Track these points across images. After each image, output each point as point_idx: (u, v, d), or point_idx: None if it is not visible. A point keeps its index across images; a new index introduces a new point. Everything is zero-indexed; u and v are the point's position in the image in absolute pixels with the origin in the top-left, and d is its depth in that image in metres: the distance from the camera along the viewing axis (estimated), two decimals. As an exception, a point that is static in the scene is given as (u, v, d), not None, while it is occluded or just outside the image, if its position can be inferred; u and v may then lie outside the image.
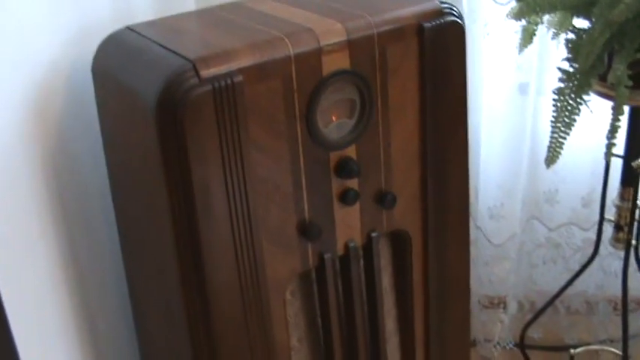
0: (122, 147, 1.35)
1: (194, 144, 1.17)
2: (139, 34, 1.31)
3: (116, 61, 1.30)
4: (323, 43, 1.24)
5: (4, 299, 1.17)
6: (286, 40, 1.22)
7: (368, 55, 1.29)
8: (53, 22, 1.36)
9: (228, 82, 1.16)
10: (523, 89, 1.82)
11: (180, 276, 1.26)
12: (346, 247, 1.39)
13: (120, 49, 1.31)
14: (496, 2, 1.73)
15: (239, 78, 1.17)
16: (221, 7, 1.42)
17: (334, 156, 1.32)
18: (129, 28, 1.34)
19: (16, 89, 1.29)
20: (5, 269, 1.26)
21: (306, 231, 1.32)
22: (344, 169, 1.32)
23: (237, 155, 1.20)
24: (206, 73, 1.15)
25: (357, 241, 1.40)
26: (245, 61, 1.18)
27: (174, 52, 1.20)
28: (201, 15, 1.40)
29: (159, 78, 1.16)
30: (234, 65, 1.17)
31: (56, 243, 1.42)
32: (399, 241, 1.49)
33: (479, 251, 1.91)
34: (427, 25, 1.32)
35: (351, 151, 1.33)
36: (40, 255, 1.38)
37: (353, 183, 1.35)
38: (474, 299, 1.98)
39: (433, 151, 1.41)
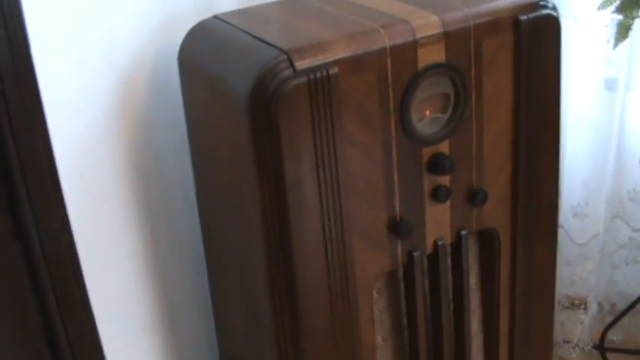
0: (209, 139, 1.29)
1: (287, 137, 1.10)
2: (227, 23, 1.25)
3: (204, 51, 1.24)
4: (419, 35, 1.17)
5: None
6: (382, 31, 1.15)
7: (463, 49, 1.21)
8: (137, 11, 1.31)
9: (324, 73, 1.10)
10: (610, 85, 1.72)
11: (268, 272, 1.20)
12: (435, 245, 1.32)
13: (208, 39, 1.25)
14: (586, -5, 1.64)
15: (334, 70, 1.10)
16: (311, -3, 1.35)
17: (427, 151, 1.24)
18: (217, 17, 1.28)
19: (101, 80, 1.25)
20: (88, 260, 1.22)
21: (396, 229, 1.25)
22: (437, 165, 1.25)
23: (331, 150, 1.14)
24: (301, 64, 1.09)
25: (446, 238, 1.33)
26: (340, 53, 1.12)
27: (266, 43, 1.14)
28: (291, 4, 1.33)
29: (251, 69, 1.11)
30: (329, 56, 1.11)
31: (139, 236, 1.37)
32: (486, 240, 1.41)
33: (561, 250, 1.82)
34: (523, 18, 1.24)
35: (443, 147, 1.26)
36: (123, 248, 1.34)
37: (444, 180, 1.28)
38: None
39: (525, 147, 1.33)
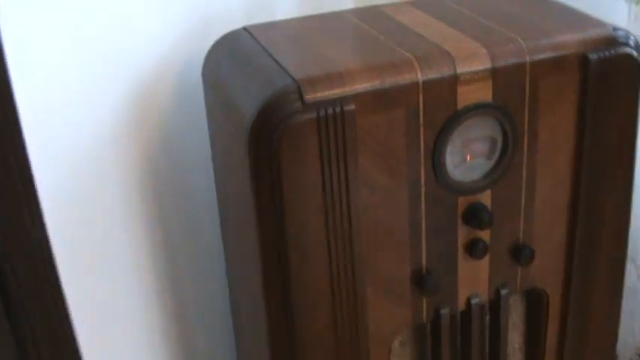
0: (224, 166, 1.14)
1: (291, 177, 0.94)
2: (253, 37, 1.08)
3: (224, 68, 1.08)
4: (461, 70, 0.97)
5: (87, 314, 1.01)
6: (415, 63, 0.96)
7: (516, 88, 1.01)
8: (167, 12, 1.15)
9: (337, 109, 0.92)
10: None
11: (268, 321, 1.04)
12: (468, 302, 1.13)
13: (230, 53, 1.09)
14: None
15: (351, 106, 0.93)
16: (358, 11, 1.17)
17: (463, 201, 1.05)
18: (245, 29, 1.11)
19: (117, 89, 1.11)
20: (93, 278, 1.09)
21: (421, 284, 1.07)
22: (474, 217, 1.05)
23: (343, 194, 0.97)
24: (312, 97, 0.92)
25: (483, 296, 1.13)
26: (361, 86, 0.94)
27: (281, 67, 0.97)
28: (331, 20, 1.15)
29: (258, 97, 0.94)
30: (347, 90, 0.93)
31: (157, 263, 1.24)
32: (533, 298, 1.21)
33: (636, 298, 1.59)
34: (593, 56, 1.02)
35: (484, 197, 1.06)
36: (132, 263, 1.21)
37: (484, 233, 1.08)
38: (627, 353, 1.66)
39: (586, 201, 1.12)
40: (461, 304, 1.12)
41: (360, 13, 1.15)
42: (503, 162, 1.05)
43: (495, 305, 1.15)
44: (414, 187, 1.01)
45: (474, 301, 1.12)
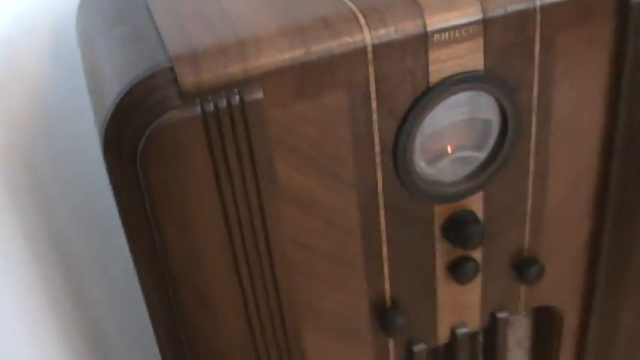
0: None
1: (170, 202, 0.60)
2: (139, -20, 0.72)
3: (92, 25, 0.72)
4: (433, 25, 0.61)
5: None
6: (360, 17, 0.60)
7: (520, 48, 0.65)
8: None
9: (235, 101, 0.57)
10: None
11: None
12: (453, 333, 0.80)
13: (102, 5, 0.73)
14: None
15: (257, 94, 0.57)
16: None
17: (443, 209, 0.71)
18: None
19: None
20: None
21: (384, 321, 0.74)
22: (457, 232, 0.71)
23: (256, 218, 0.62)
24: (193, 83, 0.56)
25: (473, 323, 0.80)
26: (274, 60, 0.58)
27: (157, 32, 0.61)
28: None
29: (117, 82, 0.59)
30: (251, 68, 0.57)
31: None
32: (542, 315, 0.88)
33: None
34: (637, -2, 0.66)
35: (474, 202, 0.72)
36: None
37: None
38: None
39: (618, 200, 0.77)
40: (442, 337, 0.80)
41: None
42: (500, 153, 0.70)
43: (491, 328, 0.83)
44: (368, 197, 0.66)
45: (459, 332, 0.80)
